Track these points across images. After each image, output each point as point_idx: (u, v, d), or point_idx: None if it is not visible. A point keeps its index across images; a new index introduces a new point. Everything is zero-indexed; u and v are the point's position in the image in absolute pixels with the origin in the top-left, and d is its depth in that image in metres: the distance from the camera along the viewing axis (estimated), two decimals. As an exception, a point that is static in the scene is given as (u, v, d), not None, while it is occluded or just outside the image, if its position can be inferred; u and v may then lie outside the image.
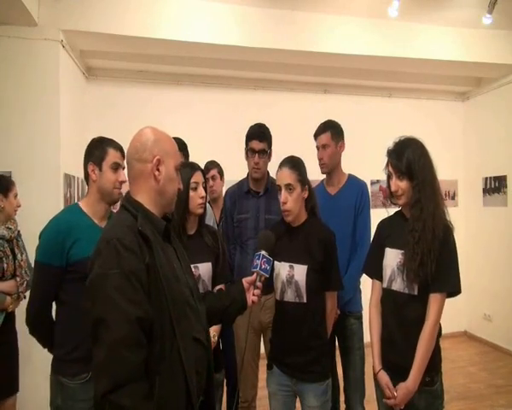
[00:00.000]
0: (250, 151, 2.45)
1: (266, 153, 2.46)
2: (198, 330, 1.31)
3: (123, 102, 4.34)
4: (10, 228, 2.60)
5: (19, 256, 2.60)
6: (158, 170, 1.29)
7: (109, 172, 1.77)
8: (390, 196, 1.85)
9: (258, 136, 2.44)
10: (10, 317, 2.56)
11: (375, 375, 1.83)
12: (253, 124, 2.54)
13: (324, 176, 2.61)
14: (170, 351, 1.17)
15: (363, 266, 2.01)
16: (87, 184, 1.85)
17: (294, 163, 1.93)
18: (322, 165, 2.50)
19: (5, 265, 2.52)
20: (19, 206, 2.72)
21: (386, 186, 1.85)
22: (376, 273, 1.88)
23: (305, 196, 1.93)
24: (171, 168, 1.32)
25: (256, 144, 2.43)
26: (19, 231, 2.72)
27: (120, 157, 1.81)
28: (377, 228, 1.96)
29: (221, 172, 3.29)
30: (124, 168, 1.81)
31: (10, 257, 2.56)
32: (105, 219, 1.81)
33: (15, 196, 2.69)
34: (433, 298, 1.69)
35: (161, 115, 4.26)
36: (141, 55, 4.12)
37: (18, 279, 2.55)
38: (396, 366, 1.74)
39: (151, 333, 1.15)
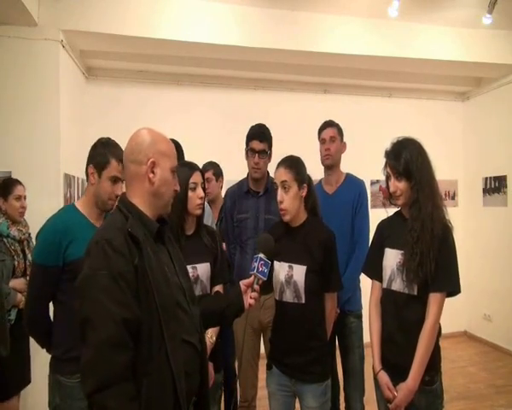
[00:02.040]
0: (250, 151, 2.45)
1: (266, 153, 2.46)
2: (189, 333, 1.31)
3: (123, 102, 4.34)
4: (21, 230, 2.72)
5: (29, 256, 2.68)
6: (153, 172, 1.28)
7: (107, 182, 1.75)
8: (389, 197, 1.85)
9: (259, 136, 2.44)
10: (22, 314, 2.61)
11: (375, 375, 1.83)
12: (253, 124, 2.54)
13: (322, 176, 2.61)
14: (158, 353, 1.17)
15: (363, 267, 2.00)
16: (87, 181, 1.85)
17: (291, 162, 1.93)
18: (327, 156, 2.50)
19: (16, 262, 2.63)
20: (23, 207, 2.75)
21: (385, 187, 1.86)
22: (376, 274, 1.88)
23: (303, 194, 1.92)
24: (166, 170, 1.31)
25: (256, 145, 2.43)
26: (30, 234, 2.79)
27: (122, 171, 1.76)
28: (377, 229, 1.96)
29: (217, 173, 3.25)
30: (123, 181, 1.79)
31: (21, 256, 2.67)
32: (101, 219, 1.81)
33: (17, 198, 2.71)
34: (433, 298, 1.69)
35: (161, 115, 4.27)
36: (141, 55, 4.12)
37: (28, 278, 2.58)
38: (396, 366, 1.74)
39: (139, 335, 1.16)
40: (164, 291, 1.22)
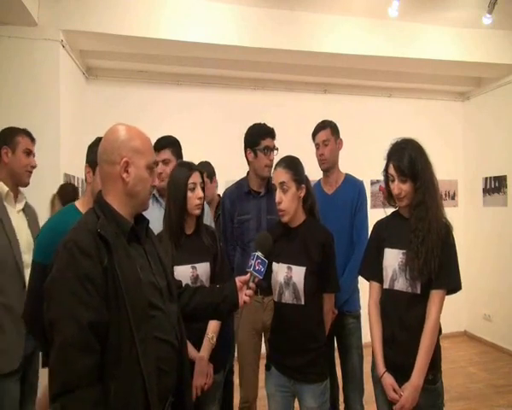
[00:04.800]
0: (266, 149, 2.41)
1: (277, 150, 2.46)
2: (165, 331, 1.29)
3: (123, 102, 4.34)
4: None
5: None
6: (127, 172, 1.26)
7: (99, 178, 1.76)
8: (389, 198, 1.85)
9: (271, 133, 2.45)
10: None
11: (379, 377, 1.79)
12: (252, 124, 2.53)
13: (321, 176, 2.61)
14: (128, 356, 1.15)
15: (360, 269, 1.99)
16: (85, 181, 1.85)
17: (289, 162, 1.92)
18: (322, 161, 2.50)
19: None
20: None
21: (386, 189, 1.85)
22: (374, 275, 1.87)
23: (302, 195, 1.91)
24: (141, 168, 1.28)
25: (270, 142, 2.43)
26: None
27: None
28: (374, 229, 1.95)
29: (210, 175, 3.21)
30: None
31: None
32: None
33: None
34: (435, 295, 1.70)
35: (161, 115, 4.27)
36: (141, 55, 4.12)
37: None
38: (400, 366, 1.73)
39: (107, 338, 1.14)
40: (135, 292, 1.19)
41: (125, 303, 1.16)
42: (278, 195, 1.88)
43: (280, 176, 1.89)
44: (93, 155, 1.75)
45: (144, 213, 1.40)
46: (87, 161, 1.79)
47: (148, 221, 1.41)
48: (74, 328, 1.09)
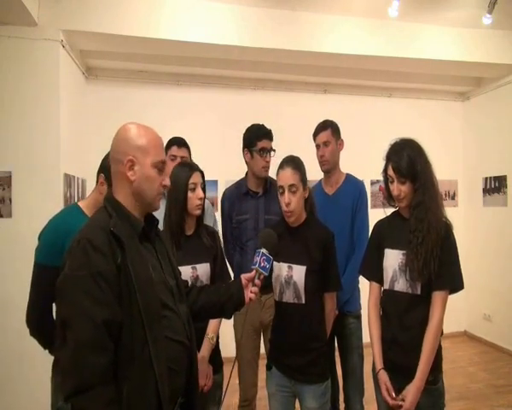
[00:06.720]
0: (262, 151, 2.43)
1: (274, 151, 2.47)
2: (177, 332, 1.29)
3: (123, 102, 4.34)
4: None
5: None
6: (132, 170, 1.25)
7: None
8: (389, 199, 1.85)
9: (268, 135, 2.47)
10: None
11: (375, 374, 1.81)
12: (252, 124, 2.53)
13: (322, 176, 2.61)
14: (140, 355, 1.14)
15: (361, 268, 1.99)
16: (96, 184, 1.83)
17: (296, 163, 1.91)
18: (323, 162, 2.50)
19: None
20: None
21: (385, 189, 1.85)
22: (374, 275, 1.87)
23: (306, 195, 1.92)
24: (146, 167, 1.26)
25: (267, 143, 2.45)
26: None
27: None
28: (374, 229, 1.95)
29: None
30: None
31: None
32: None
33: None
34: (438, 296, 1.69)
35: (161, 115, 4.26)
36: (141, 55, 4.12)
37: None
38: (402, 367, 1.73)
39: (120, 337, 1.13)
40: (147, 291, 1.19)
41: (138, 302, 1.15)
42: (287, 196, 1.86)
43: (290, 178, 1.87)
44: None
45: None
46: (103, 173, 1.77)
47: (157, 221, 1.42)
48: (89, 326, 1.08)
